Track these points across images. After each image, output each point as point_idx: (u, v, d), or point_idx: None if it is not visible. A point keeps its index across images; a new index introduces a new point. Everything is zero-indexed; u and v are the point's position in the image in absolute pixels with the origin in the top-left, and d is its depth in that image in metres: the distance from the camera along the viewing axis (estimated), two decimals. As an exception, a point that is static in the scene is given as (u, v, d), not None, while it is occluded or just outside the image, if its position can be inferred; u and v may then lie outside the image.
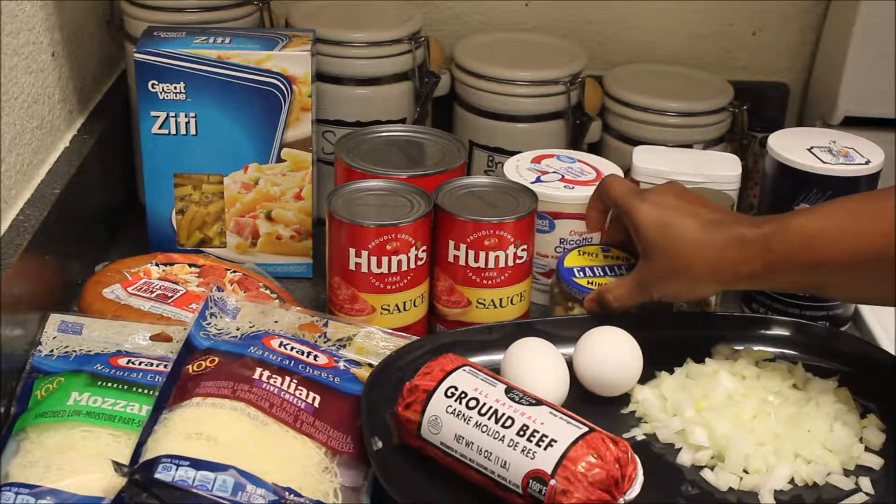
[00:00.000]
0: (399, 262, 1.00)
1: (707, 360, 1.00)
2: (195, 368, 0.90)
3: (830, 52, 1.36)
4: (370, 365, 0.95)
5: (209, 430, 0.84)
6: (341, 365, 0.95)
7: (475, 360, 0.93)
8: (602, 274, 1.05)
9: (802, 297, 1.10)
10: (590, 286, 1.04)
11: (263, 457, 0.83)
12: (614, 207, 1.02)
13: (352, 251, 1.00)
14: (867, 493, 0.89)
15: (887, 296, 0.88)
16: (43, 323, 0.97)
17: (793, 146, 1.09)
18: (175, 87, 1.09)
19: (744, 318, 1.09)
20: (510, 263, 1.03)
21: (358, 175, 1.06)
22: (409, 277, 1.01)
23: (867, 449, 0.92)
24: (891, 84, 1.29)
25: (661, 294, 0.97)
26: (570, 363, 0.97)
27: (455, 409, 0.85)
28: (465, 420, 0.84)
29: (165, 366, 0.92)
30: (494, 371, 0.91)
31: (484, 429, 0.83)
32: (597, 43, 1.40)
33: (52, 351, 0.95)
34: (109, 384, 0.90)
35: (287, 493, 0.81)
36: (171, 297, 1.05)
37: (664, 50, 1.41)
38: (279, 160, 1.13)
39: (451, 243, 1.02)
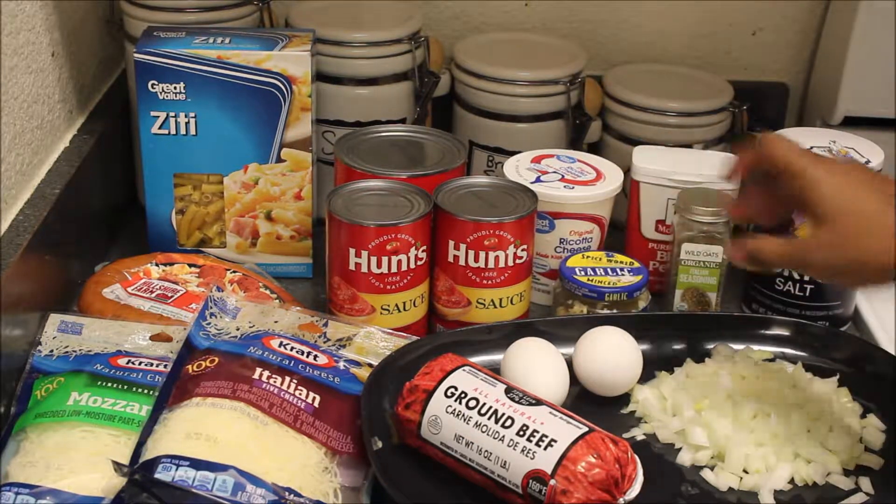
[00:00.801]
0: (399, 262, 1.00)
1: (707, 360, 1.00)
2: (195, 368, 0.90)
3: (830, 52, 1.36)
4: (370, 365, 0.95)
5: (209, 430, 0.84)
6: (341, 365, 0.95)
7: (475, 360, 0.93)
8: (604, 273, 1.05)
9: (802, 296, 1.10)
10: (590, 282, 1.04)
11: (263, 457, 0.83)
12: (779, 167, 0.90)
13: (352, 251, 1.00)
14: (867, 493, 0.89)
15: None
16: (43, 323, 0.97)
17: (793, 146, 1.08)
18: (175, 87, 1.09)
19: (744, 318, 1.09)
20: (510, 263, 1.03)
21: (358, 175, 1.06)
22: (409, 277, 1.01)
23: (867, 449, 0.92)
24: (891, 84, 1.29)
25: (822, 265, 0.88)
26: (570, 363, 0.97)
27: (455, 409, 0.85)
28: (464, 420, 0.84)
29: (165, 366, 0.92)
30: (494, 371, 0.91)
31: (484, 429, 0.83)
32: (597, 43, 1.40)
33: (51, 351, 0.95)
34: (109, 384, 0.90)
35: (287, 493, 0.81)
36: (171, 297, 1.05)
37: (664, 50, 1.41)
38: (279, 160, 1.13)
39: (451, 243, 1.02)
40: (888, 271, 0.89)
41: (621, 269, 1.06)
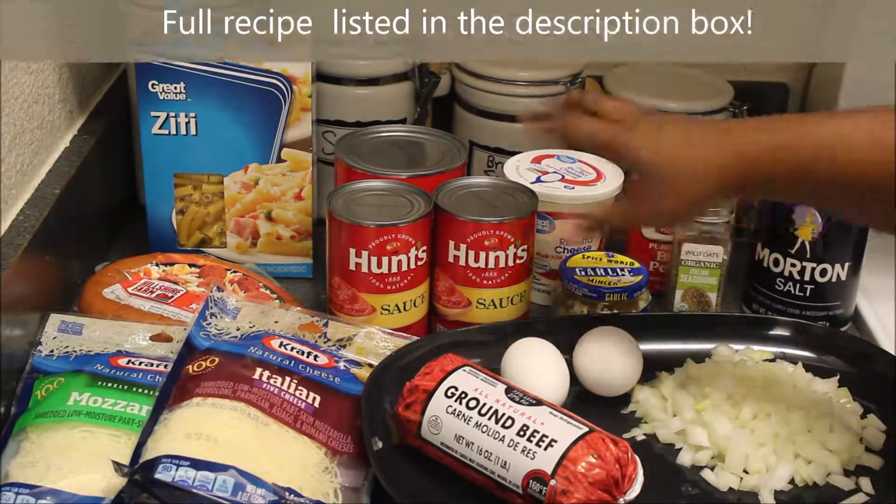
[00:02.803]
0: (399, 262, 1.00)
1: (707, 360, 1.00)
2: (195, 368, 0.90)
3: (830, 53, 1.36)
4: (370, 365, 0.95)
5: (209, 430, 0.84)
6: (341, 365, 0.95)
7: (475, 360, 0.93)
8: (604, 274, 1.05)
9: (803, 297, 1.10)
10: (590, 283, 1.04)
11: (263, 457, 0.83)
12: (608, 152, 0.93)
13: (352, 251, 1.00)
14: (867, 493, 0.89)
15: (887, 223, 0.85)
16: (43, 323, 0.97)
17: (793, 146, 1.08)
18: (175, 87, 1.09)
19: (744, 318, 1.09)
20: (510, 263, 1.03)
21: (358, 175, 1.06)
22: (409, 277, 1.01)
23: (867, 449, 0.92)
24: (891, 85, 1.29)
25: (651, 212, 0.90)
26: (570, 363, 0.97)
27: (455, 410, 0.85)
28: (465, 420, 0.84)
29: (165, 366, 0.92)
30: (494, 371, 0.91)
31: (484, 429, 0.83)
32: (597, 43, 1.40)
33: (52, 351, 0.95)
34: (109, 384, 0.90)
35: (287, 494, 0.81)
36: (172, 297, 1.05)
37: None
38: (279, 160, 1.13)
39: (451, 243, 1.02)
40: (706, 204, 0.93)
41: (621, 270, 1.06)
